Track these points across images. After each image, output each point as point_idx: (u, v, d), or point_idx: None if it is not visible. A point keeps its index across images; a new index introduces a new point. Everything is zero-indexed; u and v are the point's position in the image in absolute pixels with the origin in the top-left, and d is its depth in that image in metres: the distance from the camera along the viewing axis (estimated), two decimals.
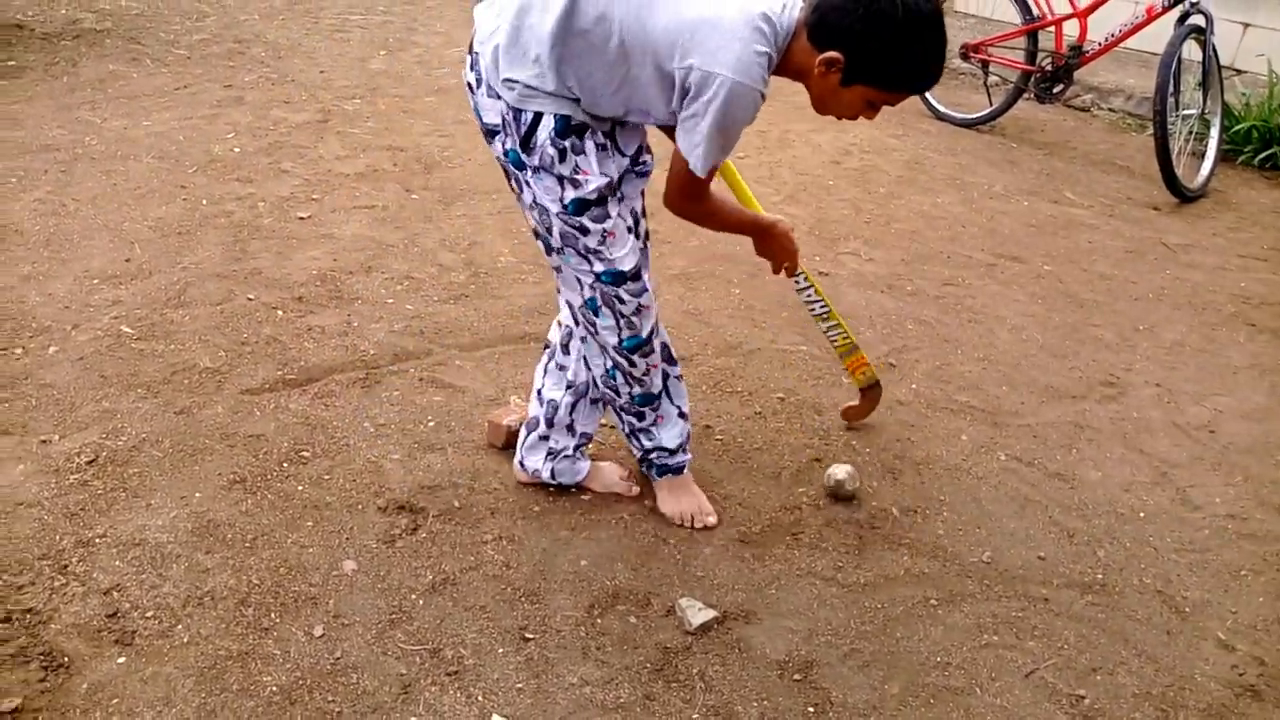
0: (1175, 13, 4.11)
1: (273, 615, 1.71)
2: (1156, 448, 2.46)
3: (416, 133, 4.02)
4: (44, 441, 2.05)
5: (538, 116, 1.63)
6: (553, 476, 2.04)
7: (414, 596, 1.78)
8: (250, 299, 2.67)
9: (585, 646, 1.72)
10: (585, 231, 1.70)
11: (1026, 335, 2.95)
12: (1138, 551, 2.09)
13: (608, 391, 1.96)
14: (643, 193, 1.80)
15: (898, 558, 2.00)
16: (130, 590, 1.72)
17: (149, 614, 1.68)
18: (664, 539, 1.98)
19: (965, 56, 4.91)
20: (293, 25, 5.49)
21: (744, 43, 1.52)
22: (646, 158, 1.76)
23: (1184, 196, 4.11)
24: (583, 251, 1.73)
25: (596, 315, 1.81)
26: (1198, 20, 4.05)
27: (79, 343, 2.39)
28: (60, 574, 1.74)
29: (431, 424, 2.25)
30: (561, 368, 2.00)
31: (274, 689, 1.57)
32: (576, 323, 1.90)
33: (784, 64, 1.61)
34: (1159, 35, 4.25)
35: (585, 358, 1.94)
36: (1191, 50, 4.11)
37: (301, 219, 3.17)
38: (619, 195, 1.71)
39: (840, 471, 2.13)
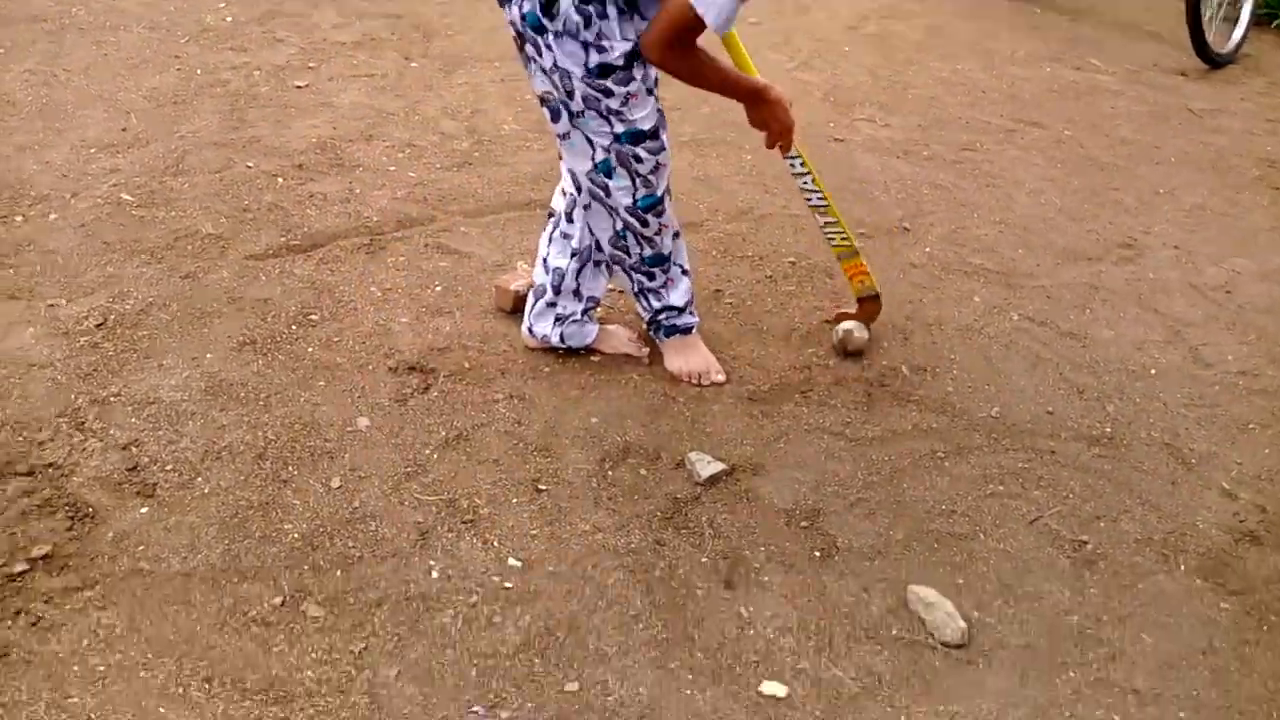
0: None
1: (290, 468, 1.74)
2: (1171, 308, 2.43)
3: (414, 0, 3.86)
4: (51, 306, 2.05)
5: None
6: (562, 340, 2.04)
7: (428, 451, 1.80)
8: (250, 166, 2.62)
9: (597, 496, 1.75)
10: (609, 94, 1.69)
11: (1044, 199, 2.88)
12: (1147, 406, 2.09)
13: (616, 252, 1.93)
14: None
15: (906, 413, 2.01)
16: (148, 445, 1.75)
17: (168, 467, 1.71)
18: (673, 397, 1.99)
19: None
20: None
21: None
22: None
23: (1213, 62, 3.95)
24: (604, 113, 1.71)
25: (610, 177, 1.79)
26: None
27: (79, 210, 2.36)
28: (78, 430, 1.76)
29: (438, 289, 2.24)
30: (566, 236, 1.98)
31: (295, 535, 1.62)
32: (579, 190, 1.87)
33: None
34: None
35: (589, 224, 1.92)
36: None
37: (299, 88, 3.08)
38: (642, 59, 1.69)
39: (849, 322, 2.12)
